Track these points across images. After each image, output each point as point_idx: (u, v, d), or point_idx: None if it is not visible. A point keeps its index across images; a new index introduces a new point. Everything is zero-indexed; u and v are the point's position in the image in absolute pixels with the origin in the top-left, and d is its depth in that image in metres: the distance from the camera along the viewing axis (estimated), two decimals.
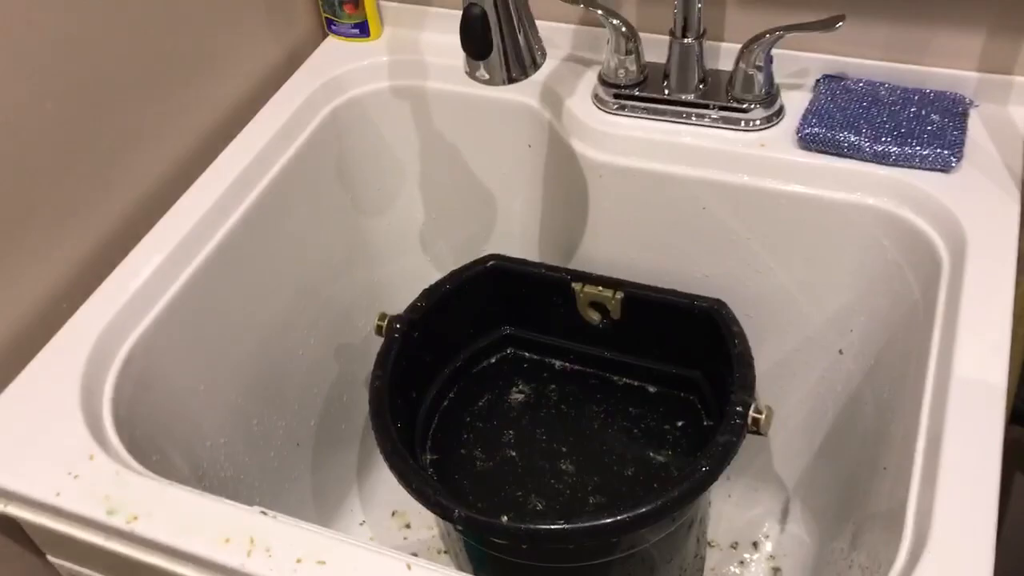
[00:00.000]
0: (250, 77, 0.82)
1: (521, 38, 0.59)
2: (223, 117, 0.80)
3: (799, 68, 0.76)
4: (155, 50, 0.72)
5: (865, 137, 0.70)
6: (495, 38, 0.58)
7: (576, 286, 0.80)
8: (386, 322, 0.77)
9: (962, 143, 0.69)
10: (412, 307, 0.78)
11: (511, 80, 0.60)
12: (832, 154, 0.71)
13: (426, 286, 0.80)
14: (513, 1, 0.58)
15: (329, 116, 0.83)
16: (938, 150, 0.68)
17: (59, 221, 0.67)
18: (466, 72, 0.62)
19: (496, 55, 0.59)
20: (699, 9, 0.71)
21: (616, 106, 0.77)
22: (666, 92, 0.76)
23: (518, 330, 0.86)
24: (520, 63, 0.60)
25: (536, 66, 0.61)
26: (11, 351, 0.64)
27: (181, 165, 0.76)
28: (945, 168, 0.68)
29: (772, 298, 0.78)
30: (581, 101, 0.78)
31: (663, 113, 0.76)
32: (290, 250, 0.81)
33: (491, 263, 0.82)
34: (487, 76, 0.60)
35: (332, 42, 0.88)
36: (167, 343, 0.67)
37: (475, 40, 0.58)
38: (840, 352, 0.78)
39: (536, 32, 0.60)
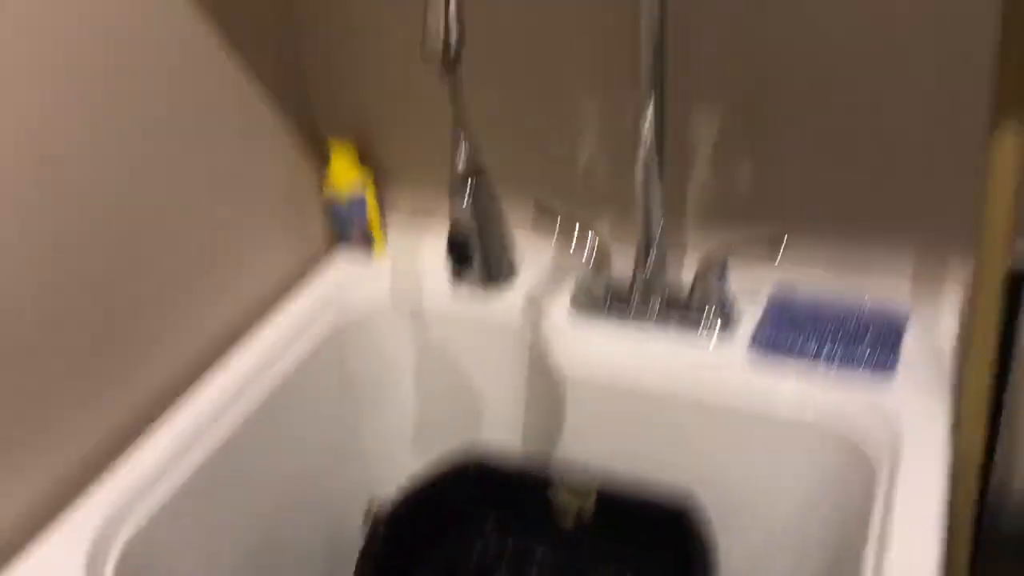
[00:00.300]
0: (261, 286, 0.91)
1: (499, 252, 0.68)
2: (234, 322, 0.88)
3: (754, 280, 0.85)
4: (168, 257, 0.81)
5: (812, 346, 0.78)
6: (476, 251, 0.67)
7: (552, 491, 0.85)
8: (371, 519, 0.82)
9: (899, 351, 0.76)
10: (394, 504, 0.84)
11: (489, 287, 0.69)
12: (783, 362, 0.78)
13: (413, 480, 0.85)
14: (492, 220, 0.67)
15: (333, 326, 0.92)
16: (877, 358, 0.76)
17: (72, 411, 0.73)
18: (451, 279, 0.71)
19: (477, 265, 0.68)
20: (661, 229, 0.81)
21: (588, 321, 0.85)
22: (633, 307, 0.84)
23: (498, 523, 0.91)
24: (497, 273, 0.69)
25: (512, 275, 0.69)
26: (17, 535, 0.69)
27: (191, 366, 0.83)
28: (883, 375, 0.75)
29: (735, 500, 0.83)
30: (556, 315, 0.87)
31: (630, 327, 0.84)
32: (290, 448, 0.87)
33: (471, 462, 0.88)
34: (469, 283, 0.69)
35: (340, 257, 0.98)
36: (169, 531, 0.72)
37: (458, 252, 0.67)
38: (799, 550, 0.82)
39: (512, 247, 0.70)
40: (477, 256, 0.68)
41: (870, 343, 0.77)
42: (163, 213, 0.79)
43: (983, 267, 0.68)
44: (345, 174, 0.94)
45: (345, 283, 0.94)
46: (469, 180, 0.65)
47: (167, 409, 0.79)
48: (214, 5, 0.80)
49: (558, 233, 0.86)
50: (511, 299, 0.89)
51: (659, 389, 0.81)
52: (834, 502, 0.76)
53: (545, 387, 0.87)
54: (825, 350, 0.77)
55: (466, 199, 0.65)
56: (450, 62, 0.59)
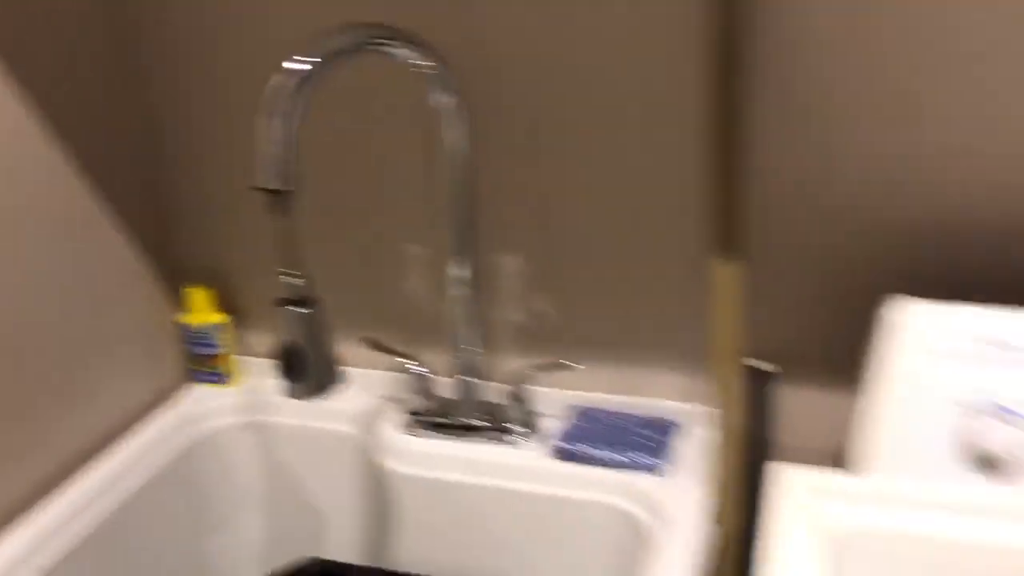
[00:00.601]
0: (113, 415, 1.00)
1: (325, 366, 0.81)
2: (82, 448, 0.95)
3: (555, 399, 0.99)
4: (31, 379, 0.90)
5: (602, 450, 0.91)
6: (304, 365, 0.79)
7: None
8: None
9: (670, 453, 0.91)
10: None
11: (317, 396, 0.81)
12: (578, 463, 0.92)
13: None
14: (320, 339, 0.80)
15: (181, 450, 1.01)
16: (653, 459, 0.90)
17: None
18: (284, 391, 0.82)
19: (306, 377, 0.80)
20: (478, 358, 0.95)
21: (416, 430, 0.98)
22: (454, 422, 0.97)
23: None
24: (324, 384, 0.81)
25: (337, 386, 0.82)
26: None
27: (37, 486, 0.90)
28: (658, 472, 0.89)
29: None
30: (388, 432, 0.99)
31: (452, 435, 0.97)
32: (137, 565, 0.93)
33: (315, 563, 0.96)
34: (299, 394, 0.81)
35: (194, 388, 1.08)
36: None
37: (287, 365, 0.79)
38: None
39: (336, 364, 0.82)
40: (306, 369, 0.80)
41: (649, 448, 0.92)
42: (19, 343, 0.88)
43: (720, 380, 0.85)
44: (202, 316, 1.05)
45: (195, 410, 1.04)
46: (298, 304, 0.78)
47: (3, 528, 0.85)
48: (90, 167, 0.94)
49: (388, 358, 0.99)
50: (348, 419, 1.00)
51: (477, 491, 0.93)
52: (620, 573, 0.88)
53: (380, 495, 0.98)
54: (613, 455, 0.91)
55: (294, 319, 0.78)
56: (280, 204, 0.74)
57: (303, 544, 1.05)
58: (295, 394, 0.81)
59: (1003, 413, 0.66)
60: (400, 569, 0.96)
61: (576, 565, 0.92)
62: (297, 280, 0.78)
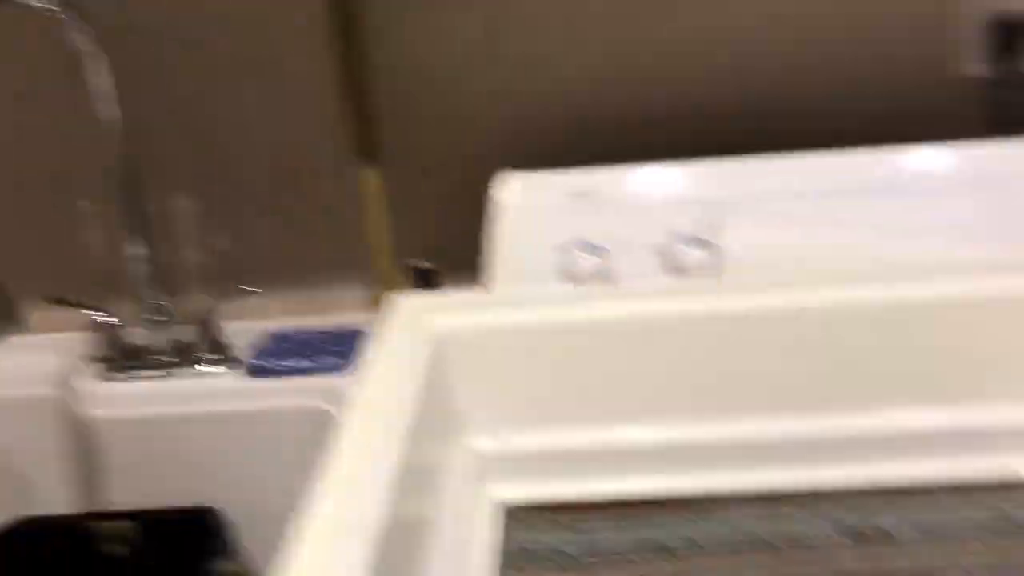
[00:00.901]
0: None
1: None
2: None
3: (246, 330, 1.05)
4: None
5: (293, 362, 0.99)
6: None
7: (95, 526, 0.97)
8: None
9: (356, 354, 1.00)
10: None
11: None
12: (271, 377, 0.99)
13: None
14: None
15: None
16: (339, 360, 0.99)
17: None
18: None
19: None
20: (164, 301, 1.00)
21: (110, 375, 1.01)
22: (149, 362, 1.01)
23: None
24: None
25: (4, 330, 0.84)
26: None
27: None
28: (343, 371, 0.98)
29: (259, 496, 1.00)
30: (86, 380, 1.01)
31: (148, 376, 1.01)
32: None
33: (21, 522, 0.97)
34: None
35: None
36: None
37: None
38: None
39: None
40: None
41: (336, 354, 1.01)
42: None
43: (383, 285, 0.95)
44: None
45: None
46: None
47: None
48: None
49: (77, 314, 1.02)
50: (43, 380, 1.02)
51: (179, 421, 0.99)
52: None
53: (85, 445, 1.00)
54: (305, 363, 0.99)
55: None
56: None
57: (18, 510, 1.05)
58: None
59: (588, 247, 0.81)
60: (114, 508, 0.99)
61: (282, 468, 0.99)
62: None
